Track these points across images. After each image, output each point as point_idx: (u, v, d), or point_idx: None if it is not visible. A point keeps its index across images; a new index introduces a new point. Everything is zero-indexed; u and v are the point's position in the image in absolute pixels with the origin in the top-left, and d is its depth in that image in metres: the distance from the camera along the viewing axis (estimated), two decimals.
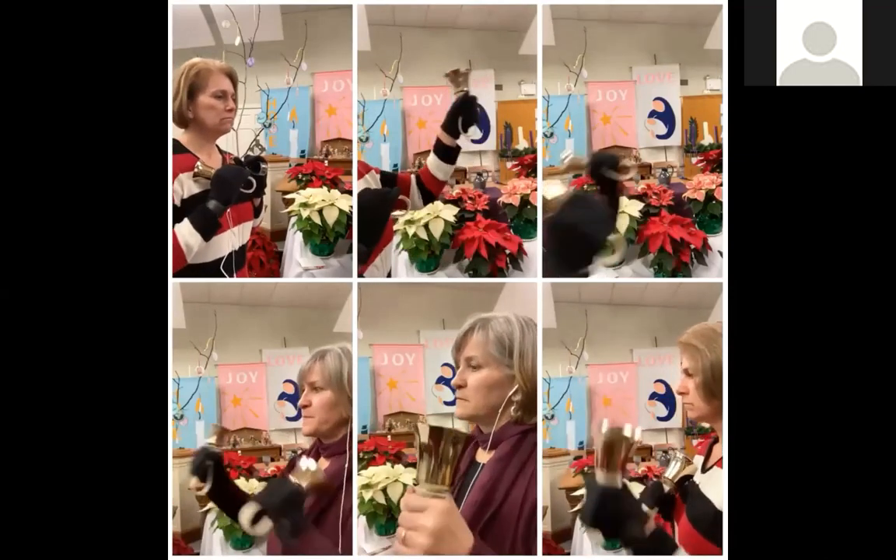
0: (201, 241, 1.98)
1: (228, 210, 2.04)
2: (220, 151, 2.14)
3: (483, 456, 1.71)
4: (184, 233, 1.96)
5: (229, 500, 1.98)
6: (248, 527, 1.69)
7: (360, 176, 2.17)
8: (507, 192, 2.36)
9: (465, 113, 2.17)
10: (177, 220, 1.97)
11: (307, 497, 1.74)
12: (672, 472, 1.78)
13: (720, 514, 1.73)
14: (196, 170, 2.01)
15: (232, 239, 2.08)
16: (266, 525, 1.70)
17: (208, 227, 1.99)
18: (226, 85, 2.08)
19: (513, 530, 1.61)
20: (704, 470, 1.81)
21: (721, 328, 1.81)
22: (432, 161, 2.24)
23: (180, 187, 1.99)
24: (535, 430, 1.69)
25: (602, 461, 1.48)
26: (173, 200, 1.97)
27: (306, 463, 1.77)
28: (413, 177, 2.28)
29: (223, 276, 2.07)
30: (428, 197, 2.29)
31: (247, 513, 1.69)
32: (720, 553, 1.77)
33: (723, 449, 1.82)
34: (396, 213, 2.27)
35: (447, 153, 2.22)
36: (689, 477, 1.78)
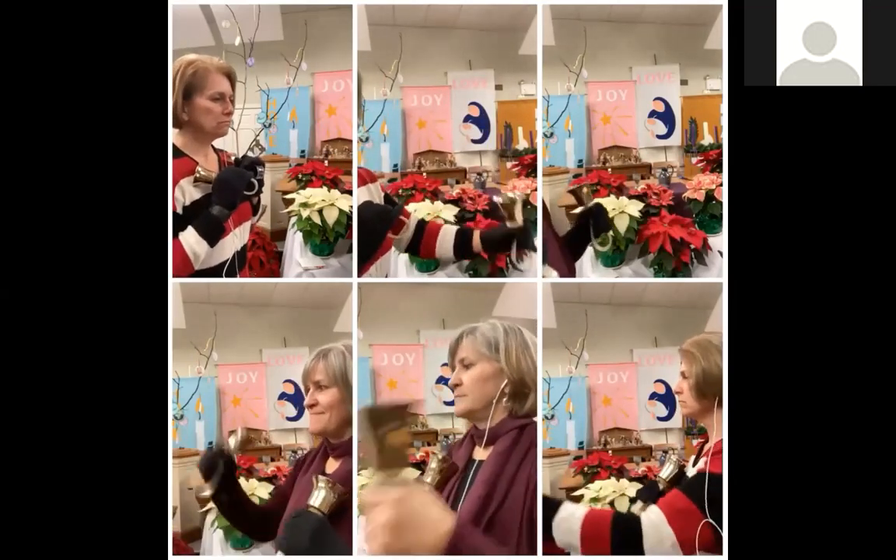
0: (207, 247, 1.94)
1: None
2: (216, 151, 2.07)
3: (480, 453, 1.81)
4: (190, 241, 1.92)
5: (234, 506, 2.01)
6: None
7: (364, 183, 2.13)
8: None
9: (522, 240, 2.06)
10: (181, 228, 1.92)
11: (330, 521, 1.84)
12: (666, 472, 2.00)
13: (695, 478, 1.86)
14: (196, 174, 1.95)
15: (234, 241, 2.03)
16: None
17: (214, 233, 1.94)
18: (224, 86, 2.00)
19: (518, 520, 1.72)
20: (695, 464, 1.93)
21: (717, 339, 1.92)
22: (446, 240, 2.15)
23: (181, 194, 1.93)
24: (531, 424, 1.79)
25: None
26: (175, 208, 1.93)
27: (317, 493, 1.85)
28: (416, 220, 2.20)
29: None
30: (413, 248, 2.20)
31: None
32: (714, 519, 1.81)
33: (723, 448, 1.86)
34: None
35: (465, 253, 2.15)
36: (683, 475, 1.96)
